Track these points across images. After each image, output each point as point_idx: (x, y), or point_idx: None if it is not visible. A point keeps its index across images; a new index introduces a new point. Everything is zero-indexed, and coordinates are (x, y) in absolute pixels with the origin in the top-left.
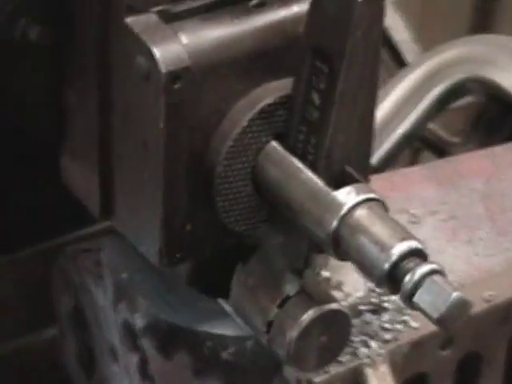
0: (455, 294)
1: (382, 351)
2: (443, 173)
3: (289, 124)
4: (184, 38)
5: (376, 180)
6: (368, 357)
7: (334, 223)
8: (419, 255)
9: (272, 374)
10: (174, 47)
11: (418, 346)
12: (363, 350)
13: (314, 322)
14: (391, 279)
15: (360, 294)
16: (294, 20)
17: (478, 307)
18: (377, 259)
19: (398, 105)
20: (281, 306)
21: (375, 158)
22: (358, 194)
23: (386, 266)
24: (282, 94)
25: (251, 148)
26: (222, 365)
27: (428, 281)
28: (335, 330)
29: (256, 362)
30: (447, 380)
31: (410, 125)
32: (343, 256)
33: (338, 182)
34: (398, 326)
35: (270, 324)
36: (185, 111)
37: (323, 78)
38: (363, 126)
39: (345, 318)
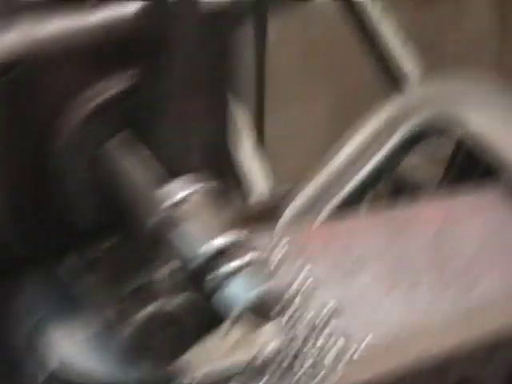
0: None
1: None
2: (393, 220)
3: (130, 118)
4: (19, 30)
5: (328, 226)
6: None
7: (153, 219)
8: (230, 252)
9: None
10: (7, 39)
11: None
12: None
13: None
14: (197, 279)
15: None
16: (130, 16)
17: (409, 361)
18: (184, 259)
19: (362, 145)
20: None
21: (336, 201)
22: (181, 188)
23: (192, 266)
24: (122, 88)
25: (91, 142)
26: None
27: (225, 283)
28: (171, 332)
29: None
30: None
31: (375, 166)
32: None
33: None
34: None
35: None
36: (19, 103)
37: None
38: (213, 118)
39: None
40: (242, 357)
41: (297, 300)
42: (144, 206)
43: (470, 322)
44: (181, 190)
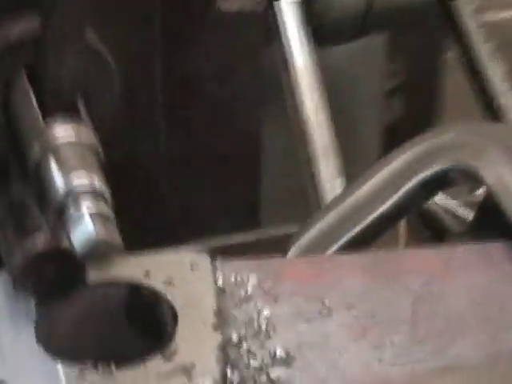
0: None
1: None
2: (381, 265)
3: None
4: None
5: (305, 262)
6: None
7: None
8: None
9: None
10: None
11: None
12: None
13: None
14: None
15: (209, 381)
16: None
17: None
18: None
19: (384, 181)
20: None
21: (348, 236)
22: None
23: (51, 203)
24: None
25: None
26: None
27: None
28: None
29: None
30: None
31: (395, 203)
32: None
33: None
34: None
35: None
36: None
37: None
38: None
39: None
40: None
41: (245, 344)
42: (27, 142)
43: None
44: (61, 131)
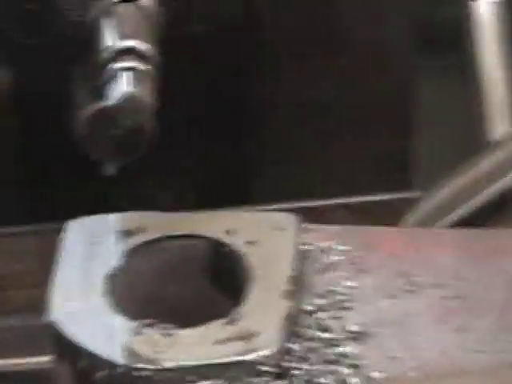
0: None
1: None
2: (477, 244)
3: None
4: None
5: (398, 234)
6: None
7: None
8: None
9: None
10: None
11: None
12: None
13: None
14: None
15: (267, 352)
16: None
17: None
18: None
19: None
20: None
21: (454, 216)
22: None
23: (100, 57)
24: None
25: None
26: None
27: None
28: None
29: None
30: None
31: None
32: None
33: None
34: None
35: None
36: None
37: None
38: None
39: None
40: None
41: (319, 315)
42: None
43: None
44: None
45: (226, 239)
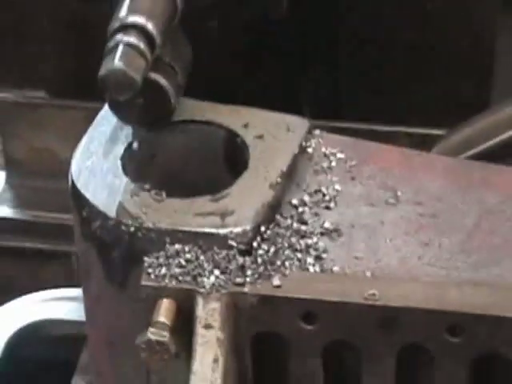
0: (114, 65)
1: (222, 290)
2: (465, 173)
3: None
4: None
5: (397, 153)
6: (204, 287)
7: None
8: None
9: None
10: None
11: (271, 305)
12: (205, 280)
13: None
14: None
15: (239, 229)
16: None
17: (349, 298)
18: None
19: None
20: None
21: (475, 151)
22: None
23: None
24: None
25: None
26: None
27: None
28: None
29: (118, 240)
30: (313, 359)
31: None
32: None
33: None
34: (258, 278)
35: None
36: None
37: None
38: None
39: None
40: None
41: (301, 209)
42: None
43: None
44: None
45: (241, 131)
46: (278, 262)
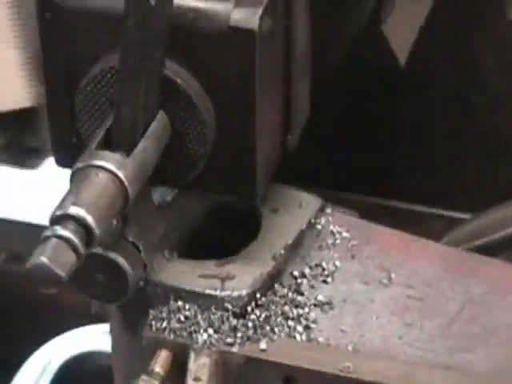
0: (38, 261)
1: (213, 348)
2: (456, 263)
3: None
4: None
5: (398, 237)
6: (197, 343)
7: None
8: (76, 223)
9: None
10: None
11: (256, 366)
12: (199, 336)
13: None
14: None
15: (235, 294)
16: None
17: (325, 368)
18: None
19: None
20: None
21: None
22: (96, 158)
23: (52, 215)
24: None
25: None
26: None
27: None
28: (111, 276)
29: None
30: None
31: None
32: None
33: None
34: (246, 340)
35: None
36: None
37: None
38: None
39: (123, 274)
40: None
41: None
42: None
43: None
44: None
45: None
46: (268, 328)
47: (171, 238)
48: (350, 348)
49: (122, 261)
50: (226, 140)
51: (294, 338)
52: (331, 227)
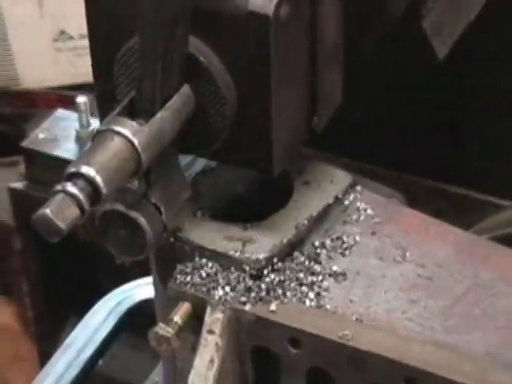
0: (43, 212)
1: (227, 304)
2: (470, 247)
3: None
4: None
5: (418, 220)
6: (214, 299)
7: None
8: (85, 181)
9: None
10: None
11: (265, 326)
12: (216, 293)
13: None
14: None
15: (254, 257)
16: None
17: (326, 334)
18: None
19: None
20: None
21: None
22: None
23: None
24: None
25: None
26: None
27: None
28: (132, 234)
29: (163, 245)
30: (298, 379)
31: None
32: None
33: None
34: (259, 300)
35: None
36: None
37: None
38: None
39: (142, 233)
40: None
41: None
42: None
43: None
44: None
45: (295, 176)
46: (280, 291)
47: (206, 200)
48: (354, 317)
49: (142, 220)
50: (245, 117)
51: (304, 303)
52: (358, 204)
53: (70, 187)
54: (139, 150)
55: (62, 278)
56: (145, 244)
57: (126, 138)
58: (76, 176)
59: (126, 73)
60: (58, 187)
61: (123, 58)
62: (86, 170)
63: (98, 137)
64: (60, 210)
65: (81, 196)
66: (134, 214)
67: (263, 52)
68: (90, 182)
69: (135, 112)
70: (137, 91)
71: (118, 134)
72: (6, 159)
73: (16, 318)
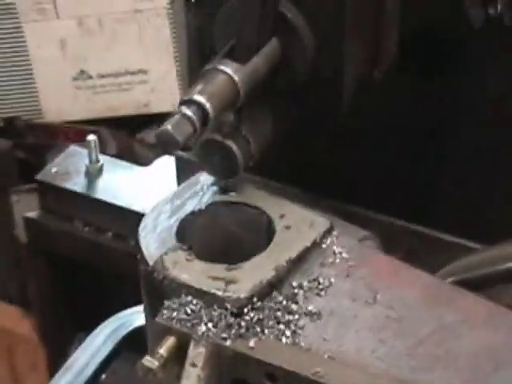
0: (165, 128)
1: (210, 340)
2: (436, 291)
3: None
4: None
5: (390, 264)
6: (197, 334)
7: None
8: (197, 107)
9: None
10: None
11: (244, 361)
12: (199, 328)
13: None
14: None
15: (235, 296)
16: None
17: (300, 370)
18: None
19: None
20: None
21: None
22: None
23: (182, 98)
24: None
25: None
26: (141, 272)
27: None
28: (225, 159)
29: (152, 282)
30: None
31: None
32: None
33: None
34: (238, 337)
35: None
36: None
37: None
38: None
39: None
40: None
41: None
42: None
43: None
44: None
45: (277, 220)
46: (259, 329)
47: (195, 240)
48: (326, 355)
49: (235, 147)
50: (322, 63)
51: (281, 340)
52: (334, 247)
53: (186, 110)
54: (239, 85)
55: (73, 298)
56: (236, 168)
57: (228, 75)
58: (190, 102)
59: (225, 29)
60: (178, 109)
61: (223, 16)
62: (198, 97)
63: (206, 73)
64: (178, 127)
65: (194, 117)
66: (228, 142)
67: (339, 9)
68: (200, 107)
69: (235, 56)
70: (237, 38)
71: (223, 71)
72: (26, 186)
73: (34, 330)
